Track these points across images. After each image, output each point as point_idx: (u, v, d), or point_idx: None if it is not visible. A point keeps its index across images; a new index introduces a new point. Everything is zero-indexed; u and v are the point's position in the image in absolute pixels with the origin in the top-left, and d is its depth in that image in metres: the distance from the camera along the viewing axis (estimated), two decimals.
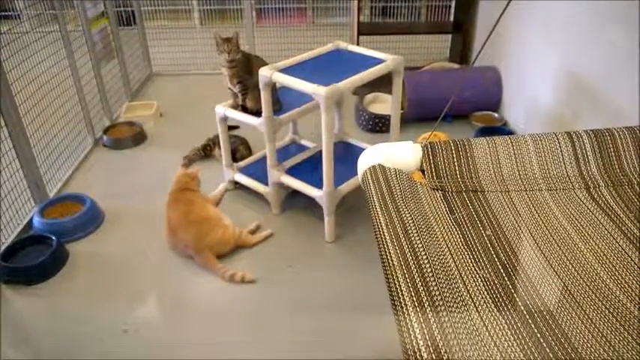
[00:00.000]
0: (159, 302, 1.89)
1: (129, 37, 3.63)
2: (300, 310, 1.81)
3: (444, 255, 0.86)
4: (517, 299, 0.79)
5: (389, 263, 0.82)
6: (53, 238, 2.05)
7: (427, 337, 0.69)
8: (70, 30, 2.71)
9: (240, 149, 2.64)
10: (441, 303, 0.75)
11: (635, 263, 0.87)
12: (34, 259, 1.97)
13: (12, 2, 4.09)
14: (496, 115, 3.03)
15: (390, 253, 0.84)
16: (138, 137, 2.95)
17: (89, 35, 2.90)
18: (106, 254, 2.11)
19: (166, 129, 3.11)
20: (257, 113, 2.14)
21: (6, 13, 4.08)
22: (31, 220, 2.22)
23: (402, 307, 0.74)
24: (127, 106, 3.27)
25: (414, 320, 0.71)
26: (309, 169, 2.27)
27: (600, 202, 1.02)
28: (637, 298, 0.80)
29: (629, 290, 0.82)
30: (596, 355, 0.71)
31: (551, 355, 0.70)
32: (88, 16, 2.88)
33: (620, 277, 0.84)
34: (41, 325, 1.79)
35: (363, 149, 1.13)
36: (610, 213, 0.99)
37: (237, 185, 2.46)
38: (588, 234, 0.94)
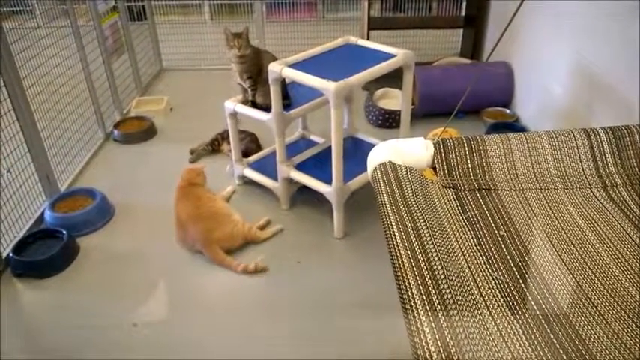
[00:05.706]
0: (168, 296, 1.89)
1: (139, 31, 3.64)
2: (308, 306, 1.81)
3: (455, 255, 0.84)
4: (531, 301, 0.77)
5: (399, 263, 0.81)
6: (64, 232, 2.07)
7: (438, 340, 0.68)
8: (81, 25, 2.71)
9: (249, 146, 2.61)
10: (452, 305, 0.73)
11: None
12: (45, 253, 1.98)
13: None
14: (508, 111, 2.99)
15: (400, 253, 0.82)
16: (148, 132, 2.95)
17: (100, 30, 2.90)
18: (116, 248, 2.12)
19: (176, 124, 3.12)
20: (266, 108, 2.13)
21: (18, 8, 4.10)
22: (42, 214, 2.23)
23: (412, 309, 0.72)
24: (137, 100, 3.27)
25: (425, 322, 0.70)
26: (318, 165, 2.25)
27: (618, 201, 1.00)
28: None
29: None
30: (613, 359, 0.69)
31: (566, 359, 0.68)
32: (98, 11, 2.88)
33: (638, 279, 0.82)
34: (51, 318, 1.79)
35: (373, 145, 1.12)
36: (628, 213, 0.97)
37: (246, 180, 2.45)
38: (605, 234, 0.92)
